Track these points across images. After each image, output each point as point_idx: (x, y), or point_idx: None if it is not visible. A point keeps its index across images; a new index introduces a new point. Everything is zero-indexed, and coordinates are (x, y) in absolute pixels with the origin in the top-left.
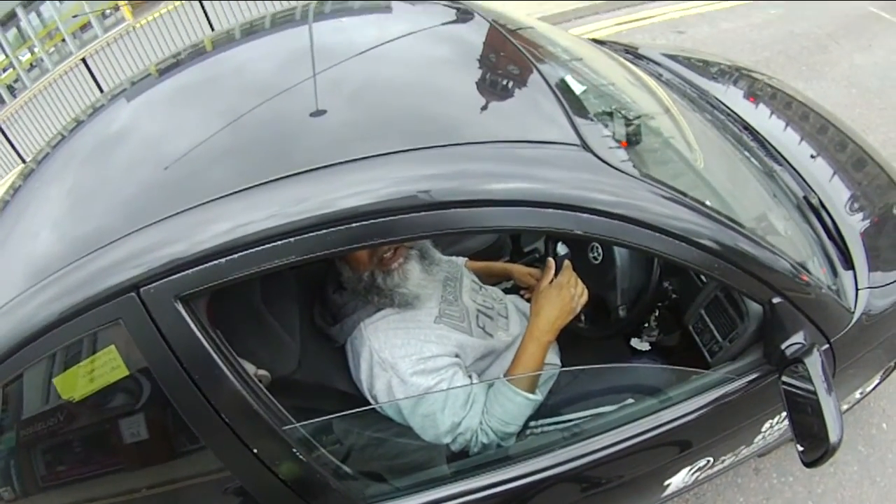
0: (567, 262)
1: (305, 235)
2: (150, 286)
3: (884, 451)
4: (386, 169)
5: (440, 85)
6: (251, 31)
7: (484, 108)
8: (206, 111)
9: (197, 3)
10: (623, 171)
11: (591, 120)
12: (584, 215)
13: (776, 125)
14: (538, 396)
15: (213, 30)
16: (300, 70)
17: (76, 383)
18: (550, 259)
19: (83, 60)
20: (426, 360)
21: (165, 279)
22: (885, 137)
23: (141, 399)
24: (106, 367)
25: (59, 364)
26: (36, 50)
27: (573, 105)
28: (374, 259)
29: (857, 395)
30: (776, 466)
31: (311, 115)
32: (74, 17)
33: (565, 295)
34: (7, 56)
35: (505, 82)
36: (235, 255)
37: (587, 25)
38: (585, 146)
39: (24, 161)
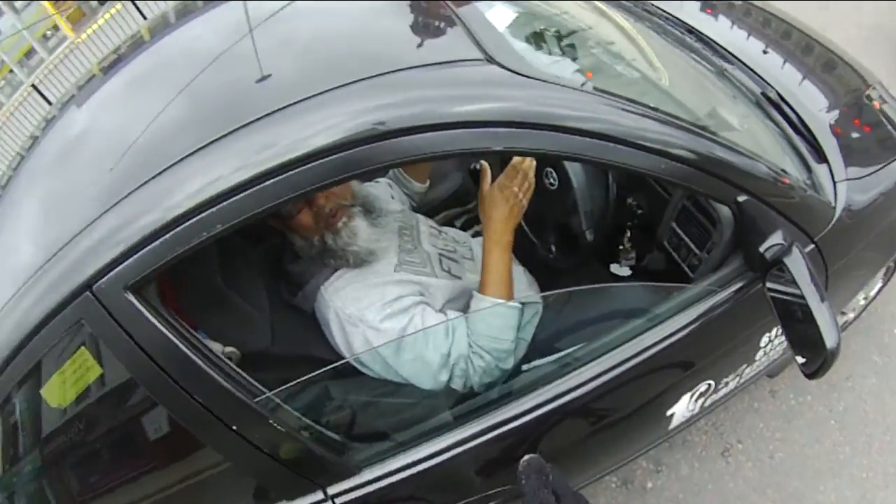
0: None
1: (225, 203)
2: (100, 281)
3: None
4: (335, 107)
5: (354, 29)
6: (185, 12)
7: (395, 42)
8: (157, 95)
9: (130, 5)
10: (541, 80)
11: (503, 38)
12: (502, 129)
13: (734, 32)
14: (516, 304)
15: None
16: (243, 36)
17: (60, 390)
18: (484, 162)
19: (34, 87)
20: (391, 303)
21: (111, 272)
22: (846, 35)
23: (122, 393)
24: (81, 369)
25: (44, 375)
26: None
27: (482, 28)
28: (318, 223)
29: (862, 301)
30: (792, 387)
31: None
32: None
33: (508, 193)
34: None
35: (422, 20)
36: (167, 235)
37: None
38: (490, 59)
39: None
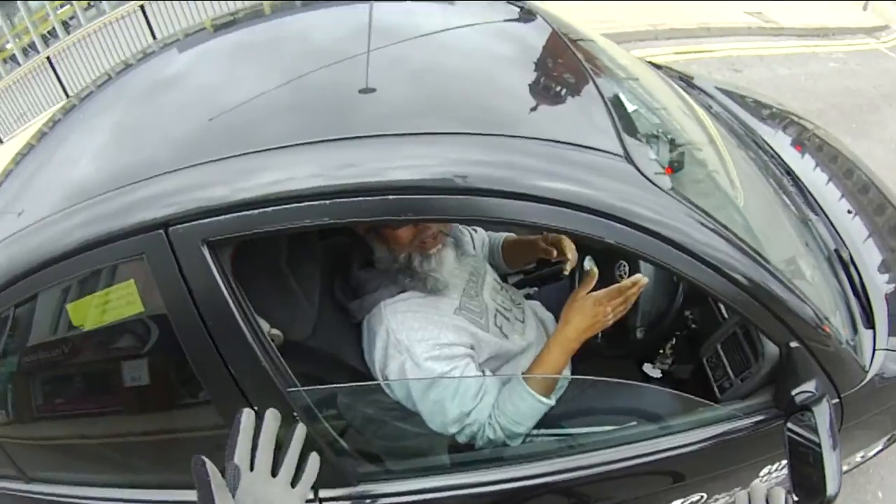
0: (629, 281)
1: (342, 200)
2: (179, 226)
3: None
4: (435, 148)
5: (498, 78)
6: (313, 2)
7: (536, 106)
8: (263, 68)
9: None
10: (662, 189)
11: (638, 136)
12: (618, 225)
13: (818, 175)
14: (552, 401)
15: None
16: (364, 44)
17: (89, 312)
18: (595, 269)
19: (141, 7)
20: (442, 347)
21: (195, 221)
22: None
23: (150, 339)
24: (122, 300)
25: (76, 291)
26: None
27: (622, 119)
28: (414, 241)
29: (859, 458)
30: None
31: (365, 89)
32: None
33: (600, 310)
34: None
35: (559, 86)
36: (269, 209)
37: (646, 49)
38: (629, 159)
39: (68, 97)
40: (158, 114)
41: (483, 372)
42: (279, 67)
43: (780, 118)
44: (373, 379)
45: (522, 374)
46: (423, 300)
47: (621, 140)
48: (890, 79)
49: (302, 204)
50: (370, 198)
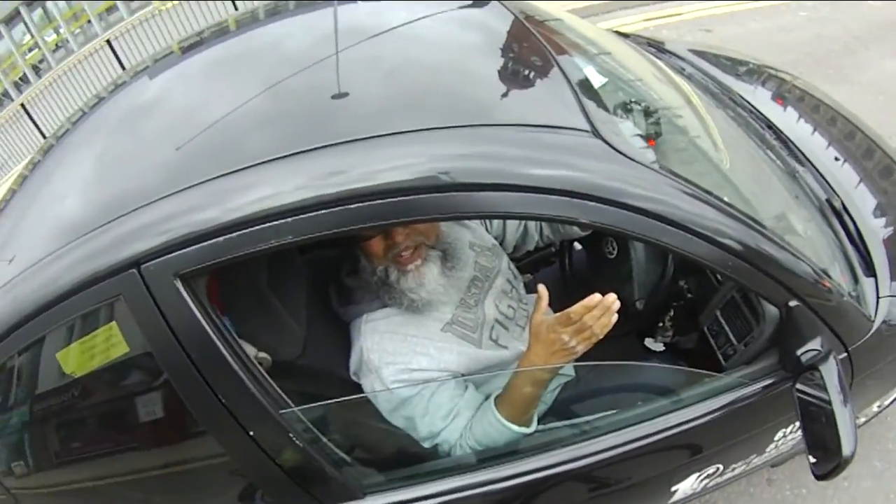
0: (578, 307)
1: (301, 216)
2: (150, 263)
3: None
4: (387, 150)
5: (460, 68)
6: (277, 10)
7: (500, 93)
8: (232, 86)
9: None
10: (635, 161)
11: (606, 110)
12: (592, 203)
13: (802, 127)
14: (525, 429)
15: (236, 10)
16: (328, 48)
17: (78, 359)
18: (542, 287)
19: (108, 42)
20: (411, 372)
21: (165, 256)
22: None
23: (141, 377)
24: (106, 343)
25: (63, 339)
26: (62, 31)
27: (588, 94)
28: (389, 254)
29: (875, 407)
30: (789, 478)
31: (337, 94)
32: None
33: (554, 337)
34: (33, 36)
35: (523, 70)
36: (233, 234)
37: (615, 20)
38: (596, 133)
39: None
40: (132, 144)
41: (467, 387)
42: (248, 83)
43: (757, 73)
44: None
45: (495, 399)
46: (403, 318)
47: (587, 115)
48: (863, 22)
49: (264, 226)
50: (326, 210)
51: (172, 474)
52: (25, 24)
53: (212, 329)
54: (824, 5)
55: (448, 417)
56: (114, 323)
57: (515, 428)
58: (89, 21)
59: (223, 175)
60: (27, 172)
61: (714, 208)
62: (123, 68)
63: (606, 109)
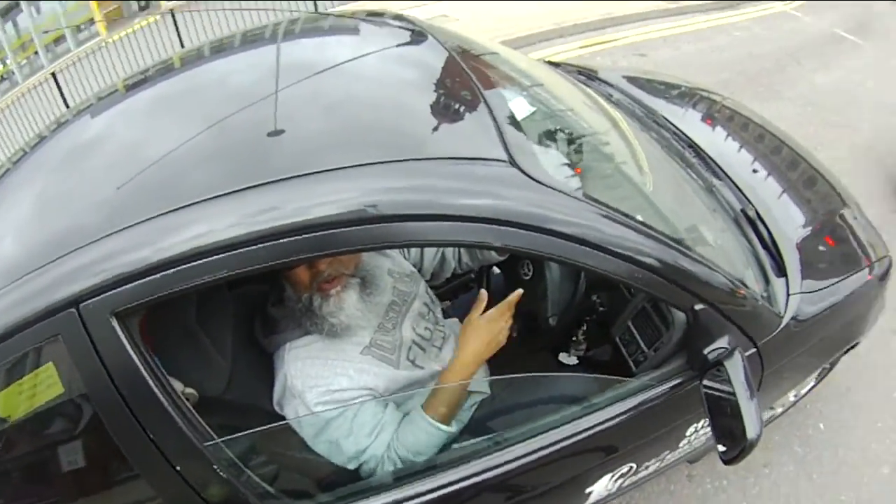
0: (513, 295)
1: (234, 252)
2: (88, 302)
3: (820, 450)
4: (318, 186)
5: (391, 104)
6: (220, 48)
7: (428, 127)
8: (172, 124)
9: (170, 21)
10: (549, 186)
11: (525, 138)
12: (507, 228)
13: (727, 144)
14: (452, 428)
15: (183, 47)
16: (266, 85)
17: (13, 401)
18: (483, 291)
19: (52, 75)
20: (333, 392)
21: (102, 295)
22: (836, 154)
23: (78, 419)
24: (43, 384)
25: (2, 381)
26: (8, 62)
27: (510, 125)
28: (313, 283)
29: (792, 398)
30: (709, 472)
31: (273, 132)
32: (45, 32)
33: (493, 327)
34: None
35: (452, 104)
36: (169, 272)
37: (552, 48)
38: (513, 163)
39: None
40: (72, 183)
41: (387, 405)
42: (188, 121)
43: (687, 96)
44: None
45: (422, 404)
46: (324, 344)
47: (506, 146)
48: (796, 38)
49: (199, 262)
50: (261, 245)
51: None
52: None
53: (143, 366)
54: (757, 24)
55: (372, 434)
56: (51, 363)
57: (444, 427)
58: (36, 52)
59: (159, 215)
60: None
61: (626, 227)
62: (66, 102)
63: (524, 139)
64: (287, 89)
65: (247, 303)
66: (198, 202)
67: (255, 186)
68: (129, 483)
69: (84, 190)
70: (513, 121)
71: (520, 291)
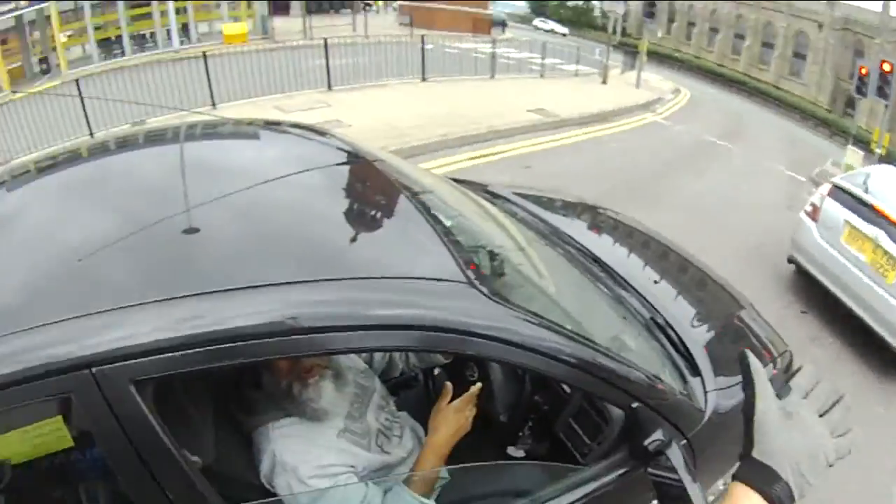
0: (475, 388)
1: (234, 344)
2: (105, 367)
3: None
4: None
5: (329, 214)
6: (126, 142)
7: (374, 242)
8: (100, 208)
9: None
10: (499, 302)
11: (472, 259)
12: (471, 339)
13: (622, 255)
14: (432, 502)
15: (87, 119)
16: (192, 185)
17: (15, 447)
18: (448, 384)
19: None
20: (325, 468)
21: (123, 363)
22: (724, 256)
23: (81, 472)
24: (50, 435)
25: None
26: None
27: (454, 245)
28: (293, 371)
29: (721, 485)
30: None
31: (201, 231)
32: None
33: (460, 416)
34: None
35: (393, 219)
36: (193, 350)
37: (442, 158)
38: (471, 283)
39: None
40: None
41: (367, 484)
42: (111, 210)
43: (575, 209)
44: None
45: (404, 480)
46: (305, 426)
47: (462, 269)
48: (669, 147)
49: (225, 346)
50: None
51: None
52: None
53: (162, 432)
54: (631, 135)
55: None
56: (59, 417)
57: (427, 501)
58: None
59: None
60: None
61: (567, 338)
62: None
63: (471, 259)
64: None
65: (227, 376)
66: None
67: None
68: None
69: (46, 257)
70: (455, 240)
71: (479, 385)
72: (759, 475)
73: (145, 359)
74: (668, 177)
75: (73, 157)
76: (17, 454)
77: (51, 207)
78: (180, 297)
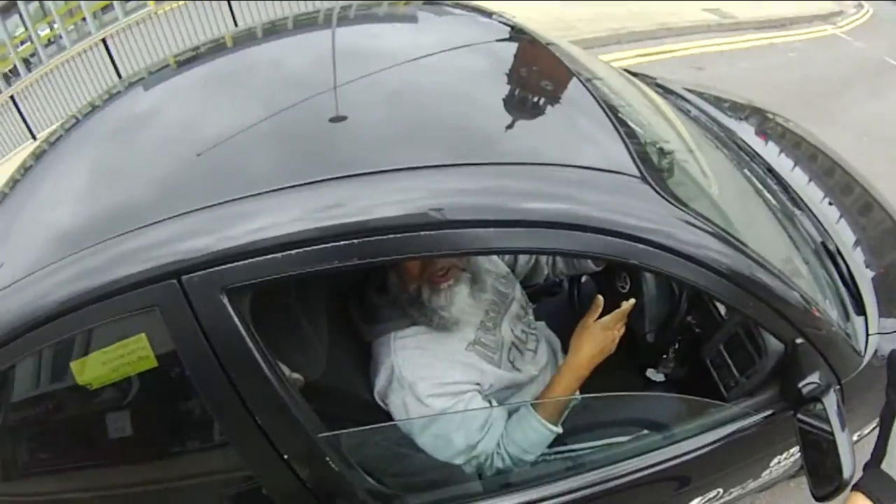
0: (627, 304)
1: (368, 239)
2: (193, 275)
3: None
4: (432, 179)
5: (494, 100)
6: (274, 30)
7: (544, 129)
8: (241, 102)
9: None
10: (673, 203)
11: (648, 154)
12: (638, 245)
13: (798, 170)
14: (560, 429)
15: (235, 25)
16: (339, 72)
17: (96, 370)
18: (600, 297)
19: (103, 41)
20: (445, 385)
21: (212, 269)
22: (892, 186)
23: (165, 393)
24: (132, 356)
25: (79, 347)
26: (56, 26)
27: (631, 138)
28: (424, 274)
29: (854, 437)
30: (771, 502)
31: (348, 118)
32: None
33: (608, 335)
34: (27, 29)
35: (559, 104)
36: (293, 252)
37: (609, 54)
38: (644, 178)
39: (33, 136)
40: (140, 153)
41: (490, 403)
42: (259, 101)
43: (753, 115)
44: (385, 409)
45: (532, 402)
46: (432, 336)
47: (635, 161)
48: (848, 63)
49: (328, 245)
50: (399, 235)
51: (187, 488)
52: (21, 16)
53: (255, 348)
54: (810, 45)
55: (483, 429)
56: (143, 335)
57: (554, 428)
58: (84, 19)
59: (270, 191)
60: (19, 176)
61: (735, 249)
62: (117, 69)
63: (647, 153)
64: (368, 78)
65: (341, 287)
66: (309, 182)
67: (349, 176)
68: (223, 463)
69: (158, 159)
70: (632, 131)
71: (633, 301)
72: (889, 493)
73: (238, 263)
74: (844, 95)
75: (219, 49)
76: (97, 378)
77: (189, 100)
78: (292, 187)
